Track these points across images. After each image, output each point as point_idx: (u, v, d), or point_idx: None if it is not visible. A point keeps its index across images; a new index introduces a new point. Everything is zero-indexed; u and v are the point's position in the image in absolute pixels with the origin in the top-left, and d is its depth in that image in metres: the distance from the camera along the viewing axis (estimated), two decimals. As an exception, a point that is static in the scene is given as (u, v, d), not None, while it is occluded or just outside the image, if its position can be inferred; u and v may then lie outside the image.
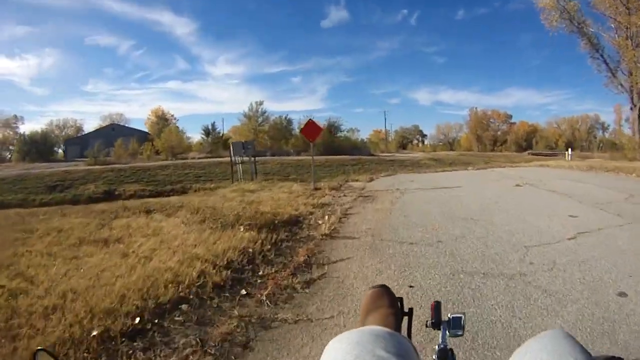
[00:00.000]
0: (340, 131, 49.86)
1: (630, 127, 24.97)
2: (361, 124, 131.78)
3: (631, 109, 24.35)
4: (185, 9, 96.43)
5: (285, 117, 52.00)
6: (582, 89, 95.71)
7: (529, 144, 61.69)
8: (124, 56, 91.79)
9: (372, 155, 43.19)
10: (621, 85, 24.06)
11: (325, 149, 42.60)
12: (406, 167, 34.08)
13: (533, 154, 52.60)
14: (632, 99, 23.75)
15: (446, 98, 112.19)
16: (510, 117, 67.13)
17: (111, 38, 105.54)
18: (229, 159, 34.11)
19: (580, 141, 61.88)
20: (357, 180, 12.23)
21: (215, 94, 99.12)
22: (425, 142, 72.91)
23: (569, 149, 23.57)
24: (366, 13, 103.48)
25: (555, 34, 25.20)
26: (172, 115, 63.20)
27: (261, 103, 52.40)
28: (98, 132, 52.77)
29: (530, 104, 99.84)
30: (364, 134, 71.14)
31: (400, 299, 0.90)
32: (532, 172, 13.56)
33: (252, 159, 15.70)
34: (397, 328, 0.81)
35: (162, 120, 59.87)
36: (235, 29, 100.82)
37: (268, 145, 49.11)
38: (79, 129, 61.07)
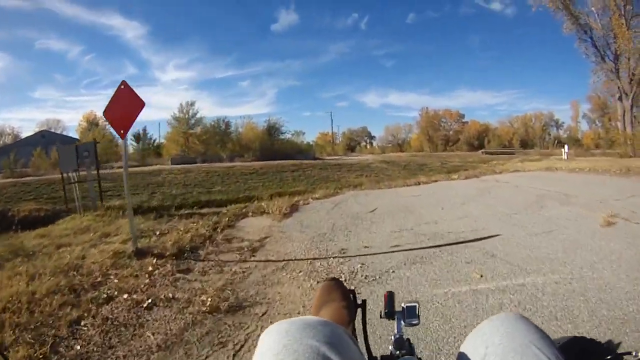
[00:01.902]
0: (282, 133, 43.36)
1: (621, 121, 21.26)
2: (309, 128, 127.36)
3: (619, 98, 20.82)
4: (136, 12, 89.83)
5: (223, 120, 44.65)
6: (531, 88, 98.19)
7: (480, 143, 59.68)
8: (74, 61, 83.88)
9: (317, 159, 37.47)
10: (611, 71, 20.59)
11: (264, 153, 36.41)
12: (355, 173, 28.78)
13: (487, 153, 50.53)
14: (619, 87, 20.35)
15: (394, 100, 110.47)
16: (463, 116, 65.41)
17: (61, 42, 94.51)
18: (152, 167, 27.14)
19: (534, 139, 61.35)
20: (263, 214, 5.95)
21: (165, 100, 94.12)
22: (374, 144, 69.14)
23: (565, 146, 19.33)
24: (317, 17, 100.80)
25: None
26: (106, 120, 53.63)
27: (192, 104, 44.14)
28: (27, 140, 45.16)
29: (479, 104, 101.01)
30: (311, 137, 66.70)
31: (353, 291, 0.87)
32: (557, 181, 8.25)
33: (95, 172, 8.90)
34: (351, 320, 0.80)
35: (94, 125, 50.57)
36: (185, 33, 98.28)
37: (201, 151, 41.85)
38: (17, 137, 52.10)
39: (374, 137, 73.52)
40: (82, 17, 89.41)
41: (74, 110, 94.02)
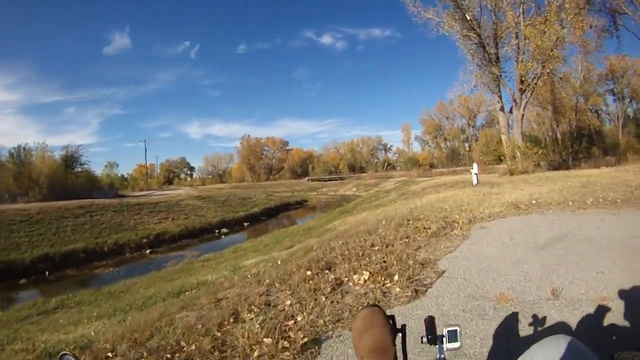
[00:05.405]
0: (81, 164, 37.70)
1: (506, 133, 19.94)
2: (131, 160, 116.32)
3: (502, 109, 19.65)
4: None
5: (24, 149, 35.89)
6: (355, 117, 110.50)
7: (305, 170, 60.97)
8: None
9: (121, 196, 34.88)
10: (499, 76, 18.70)
11: (55, 190, 32.09)
12: (159, 215, 25.17)
13: (313, 180, 51.51)
14: (501, 97, 19.37)
15: (218, 131, 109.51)
16: (287, 143, 65.51)
17: None
18: None
19: (362, 163, 62.73)
20: None
21: (-13, 125, 72.78)
22: (194, 176, 67.71)
23: (475, 166, 13.95)
24: (148, 42, 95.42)
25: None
26: None
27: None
28: None
29: (302, 133, 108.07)
30: (129, 170, 60.51)
31: (392, 317, 0.86)
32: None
33: None
34: (392, 345, 0.80)
35: None
36: (17, 48, 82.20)
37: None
38: None
39: (194, 168, 71.24)
40: None
41: None
